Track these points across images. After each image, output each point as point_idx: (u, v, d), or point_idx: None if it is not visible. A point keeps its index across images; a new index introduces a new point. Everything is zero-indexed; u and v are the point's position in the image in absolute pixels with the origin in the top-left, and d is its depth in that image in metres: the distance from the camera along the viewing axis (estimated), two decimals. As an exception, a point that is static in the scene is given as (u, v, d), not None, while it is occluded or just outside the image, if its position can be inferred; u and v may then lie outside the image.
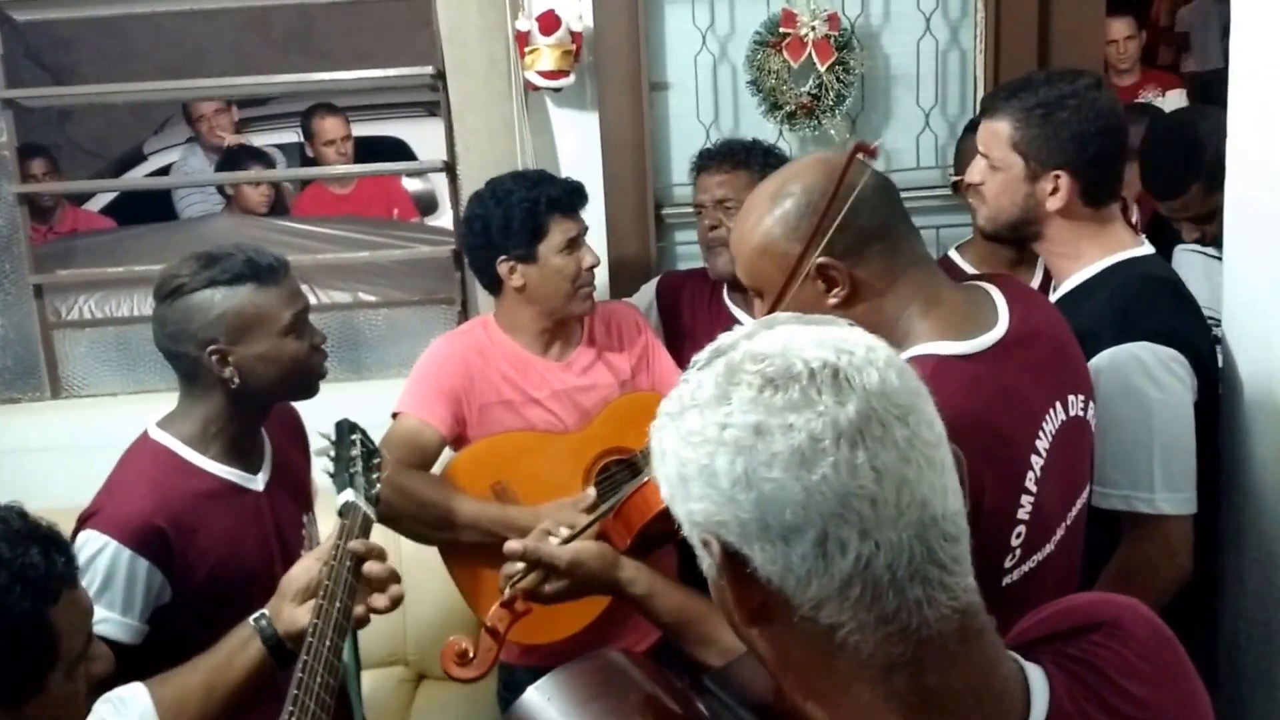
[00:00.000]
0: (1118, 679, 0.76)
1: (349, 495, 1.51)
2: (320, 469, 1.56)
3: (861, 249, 1.25)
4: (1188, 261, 2.36)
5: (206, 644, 1.44)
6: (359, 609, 1.42)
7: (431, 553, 2.06)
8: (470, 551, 2.00)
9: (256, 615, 1.42)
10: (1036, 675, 0.75)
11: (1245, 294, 1.79)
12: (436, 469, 2.08)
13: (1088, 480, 1.41)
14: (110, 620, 1.49)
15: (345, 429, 1.62)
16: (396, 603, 1.46)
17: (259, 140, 4.46)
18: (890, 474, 0.66)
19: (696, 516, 0.71)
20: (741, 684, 0.92)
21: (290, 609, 1.41)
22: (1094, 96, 1.69)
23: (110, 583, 1.50)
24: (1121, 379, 1.60)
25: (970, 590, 0.71)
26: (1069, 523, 1.34)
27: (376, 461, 1.61)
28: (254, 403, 1.66)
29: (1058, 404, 1.31)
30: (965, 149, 2.33)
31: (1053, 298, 1.74)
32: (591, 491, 1.98)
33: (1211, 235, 2.24)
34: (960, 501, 0.71)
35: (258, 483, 1.68)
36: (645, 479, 1.33)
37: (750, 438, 0.67)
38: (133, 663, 1.45)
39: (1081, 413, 1.36)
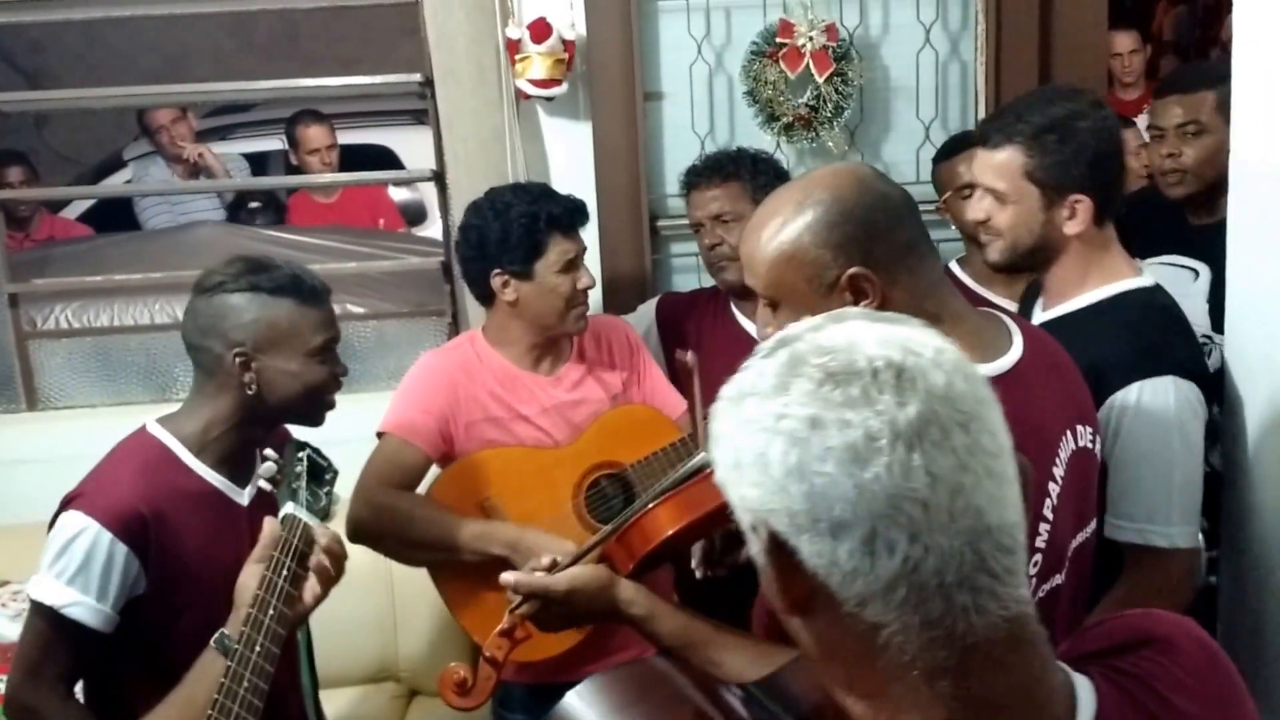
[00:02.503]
0: (1167, 694, 0.75)
1: (289, 508, 1.51)
2: (263, 483, 1.57)
3: (895, 262, 1.22)
4: (1161, 275, 2.35)
5: (170, 645, 1.49)
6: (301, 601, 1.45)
7: (423, 571, 2.01)
8: (459, 568, 1.96)
9: (216, 635, 1.42)
10: (1085, 687, 0.74)
11: (1247, 305, 1.78)
12: (424, 486, 2.03)
13: (1095, 512, 1.39)
14: (84, 604, 1.50)
15: (293, 447, 1.62)
16: (326, 586, 1.48)
17: (242, 147, 4.39)
18: (945, 480, 0.65)
19: (749, 502, 0.71)
20: (788, 693, 0.91)
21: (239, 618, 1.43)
22: (1103, 115, 1.66)
23: (88, 566, 1.50)
24: (1152, 414, 1.59)
25: (1022, 601, 0.70)
26: (1077, 552, 1.33)
27: (329, 477, 1.61)
28: (262, 416, 1.65)
29: (1069, 433, 1.30)
30: (943, 173, 2.31)
31: (1044, 317, 1.72)
32: (570, 546, 1.94)
33: None
34: (1020, 514, 0.70)
35: (243, 497, 1.67)
36: (650, 505, 1.29)
37: (805, 430, 0.67)
38: (100, 653, 1.48)
39: (1090, 444, 1.35)
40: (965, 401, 0.67)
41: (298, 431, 1.71)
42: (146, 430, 1.64)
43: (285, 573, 1.43)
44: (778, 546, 0.69)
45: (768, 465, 0.68)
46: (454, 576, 1.99)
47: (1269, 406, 1.71)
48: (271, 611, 1.39)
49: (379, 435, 2.02)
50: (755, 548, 0.72)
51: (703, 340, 2.27)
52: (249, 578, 1.43)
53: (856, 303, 1.22)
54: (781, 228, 1.23)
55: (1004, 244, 1.69)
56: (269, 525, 1.48)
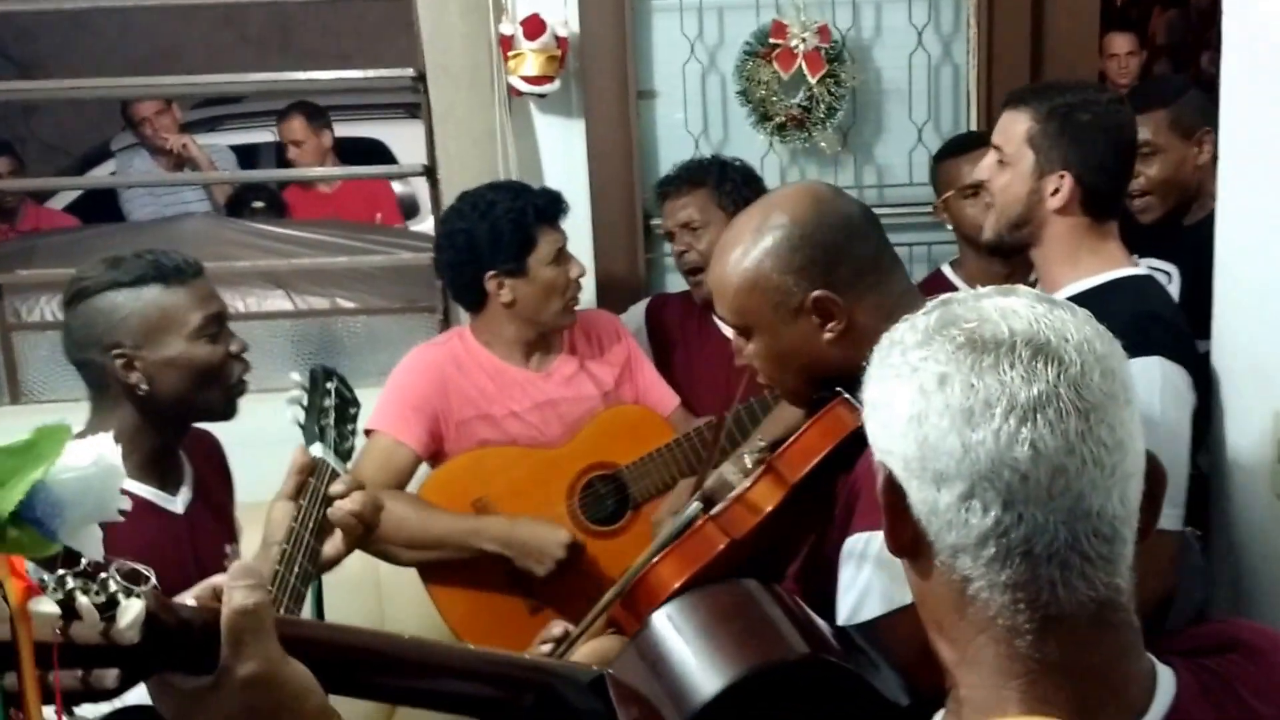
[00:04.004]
0: (1248, 698, 0.76)
1: (317, 450, 1.40)
2: (290, 418, 1.44)
3: (857, 280, 1.22)
4: None
5: None
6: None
7: (412, 572, 2.00)
8: (449, 570, 1.95)
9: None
10: (1167, 675, 0.75)
11: (1235, 305, 1.79)
12: (414, 485, 2.02)
13: None
14: None
15: (320, 374, 1.50)
16: (351, 544, 1.38)
17: (232, 139, 4.36)
18: (1048, 458, 0.68)
19: (876, 440, 0.76)
20: (883, 639, 0.92)
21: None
22: (1115, 110, 1.70)
23: None
24: (1137, 393, 1.58)
25: (1115, 589, 0.72)
26: None
27: (353, 412, 1.51)
28: (166, 414, 1.56)
29: None
30: (944, 172, 2.31)
31: None
32: (565, 532, 1.93)
33: None
34: (1129, 509, 0.72)
35: (176, 504, 1.59)
36: (653, 562, 1.28)
37: (933, 384, 0.71)
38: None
39: None
40: (1093, 393, 0.70)
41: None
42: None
43: (312, 524, 1.33)
44: (891, 487, 0.74)
45: (894, 410, 0.73)
46: (443, 578, 1.99)
47: (1255, 408, 1.71)
48: (296, 569, 1.28)
49: (367, 433, 2.00)
50: (878, 485, 0.76)
51: (688, 345, 2.28)
52: (280, 514, 1.33)
53: (824, 325, 1.22)
54: (743, 256, 1.23)
55: (994, 215, 1.72)
56: (299, 454, 1.37)
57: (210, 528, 1.65)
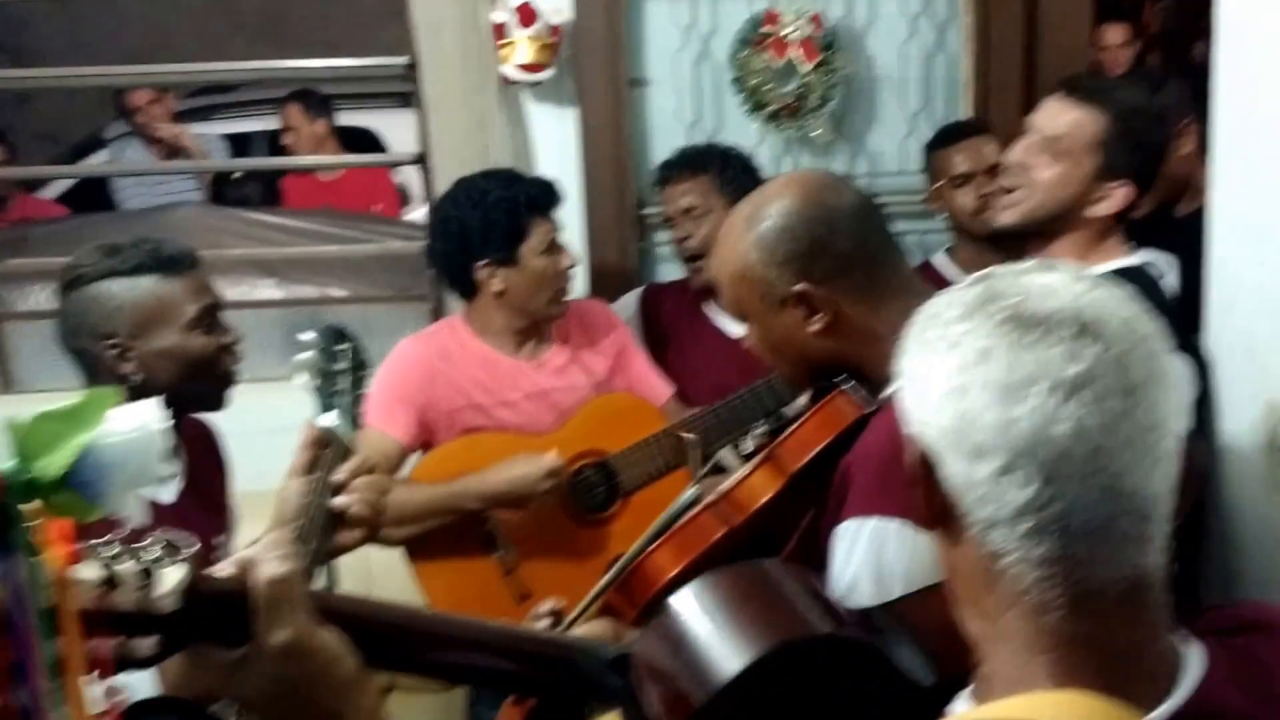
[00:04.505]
0: (1273, 676, 0.77)
1: (332, 420, 1.35)
2: (301, 383, 1.38)
3: (841, 273, 1.21)
4: None
5: None
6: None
7: (402, 566, 2.00)
8: (436, 559, 1.95)
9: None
10: (1196, 653, 0.76)
11: (1228, 295, 1.79)
12: (405, 472, 2.02)
13: None
14: None
15: (333, 335, 1.45)
16: (365, 534, 1.31)
17: (226, 128, 4.34)
18: (1087, 436, 0.69)
19: (910, 412, 0.76)
20: (909, 621, 0.93)
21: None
22: (1167, 121, 1.70)
23: None
24: None
25: (1148, 568, 0.72)
26: None
27: (363, 375, 1.46)
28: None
29: None
30: (937, 161, 2.30)
31: None
32: (553, 454, 1.92)
33: None
34: (1165, 489, 0.73)
35: (165, 494, 1.58)
36: (649, 549, 1.27)
37: (974, 359, 0.71)
38: None
39: None
40: (1136, 373, 0.70)
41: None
42: None
43: (324, 501, 1.28)
44: (924, 459, 0.75)
45: (932, 382, 0.73)
46: (430, 566, 1.98)
47: (1248, 398, 1.71)
48: (312, 545, 1.22)
49: (355, 425, 2.00)
50: (911, 457, 0.76)
51: (681, 335, 2.27)
52: (291, 491, 1.28)
53: (808, 318, 1.21)
54: (734, 248, 1.24)
55: (1027, 205, 1.68)
56: (308, 428, 1.32)
57: (200, 518, 1.63)
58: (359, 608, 0.84)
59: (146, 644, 0.71)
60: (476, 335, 2.08)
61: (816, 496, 1.20)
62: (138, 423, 0.72)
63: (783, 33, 2.48)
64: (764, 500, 1.22)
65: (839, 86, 2.53)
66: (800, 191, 1.24)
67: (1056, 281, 0.74)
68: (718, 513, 1.23)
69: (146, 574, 0.69)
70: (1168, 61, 4.45)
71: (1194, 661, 0.75)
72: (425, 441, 2.03)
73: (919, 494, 0.76)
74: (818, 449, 1.21)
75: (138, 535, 0.72)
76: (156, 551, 0.70)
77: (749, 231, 1.23)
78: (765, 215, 1.22)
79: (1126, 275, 1.67)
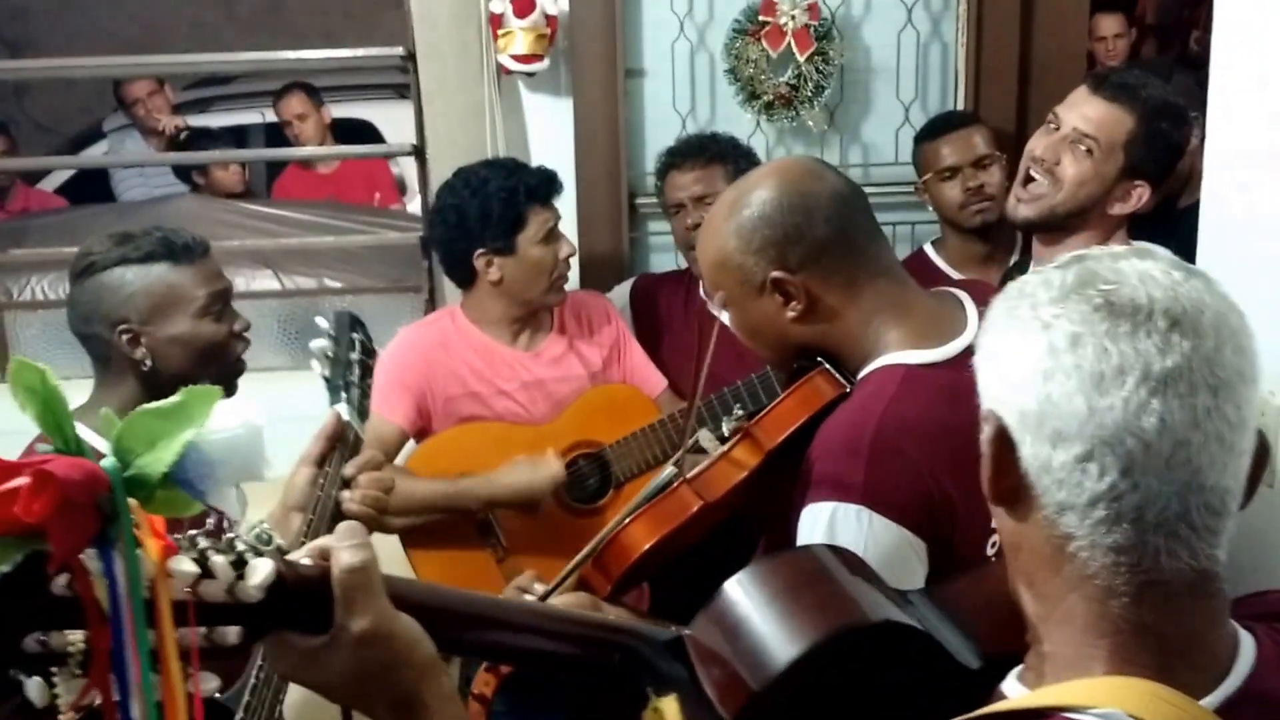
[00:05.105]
0: None
1: (343, 410, 1.35)
2: (316, 370, 1.39)
3: (817, 260, 1.22)
4: None
5: None
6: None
7: (396, 552, 2.01)
8: (431, 553, 1.96)
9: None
10: (1248, 640, 0.77)
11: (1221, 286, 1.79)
12: (400, 460, 2.03)
13: None
14: None
15: (346, 322, 1.46)
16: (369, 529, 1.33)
17: (223, 121, 4.35)
18: (1173, 431, 0.69)
19: (990, 389, 0.76)
20: (954, 605, 0.94)
21: None
22: (1187, 125, 1.69)
23: None
24: None
25: (1214, 559, 0.73)
26: None
27: (372, 364, 1.48)
28: (167, 391, 1.55)
29: None
30: (925, 154, 2.30)
31: None
32: (555, 461, 1.93)
33: None
34: (1238, 484, 0.73)
35: None
36: (625, 522, 1.28)
37: (1065, 344, 0.71)
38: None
39: None
40: (1225, 369, 0.70)
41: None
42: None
43: (335, 492, 1.29)
44: (1001, 437, 0.74)
45: (1018, 363, 0.73)
46: (427, 552, 2.00)
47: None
48: (324, 530, 1.22)
49: (356, 411, 2.02)
50: (985, 433, 0.76)
51: (674, 325, 2.28)
52: (303, 479, 1.30)
53: (785, 305, 1.22)
54: (716, 233, 1.25)
55: (1049, 200, 1.68)
56: (331, 418, 1.33)
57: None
58: (429, 594, 0.86)
59: (232, 632, 0.72)
60: (475, 324, 2.09)
61: (794, 474, 1.22)
62: (242, 419, 0.72)
63: (780, 21, 2.48)
64: (741, 476, 1.23)
65: (833, 76, 2.53)
66: (780, 180, 1.24)
67: (1153, 270, 0.73)
68: (694, 488, 1.24)
69: (238, 564, 0.70)
70: (1163, 52, 4.45)
71: (1246, 649, 0.75)
72: (422, 429, 2.04)
73: (992, 470, 0.76)
74: (795, 426, 1.22)
75: (220, 527, 0.72)
76: (243, 543, 0.71)
77: (729, 219, 1.24)
78: (745, 203, 1.23)
79: None
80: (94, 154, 4.36)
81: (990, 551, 1.24)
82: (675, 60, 2.58)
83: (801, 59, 2.49)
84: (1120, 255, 0.75)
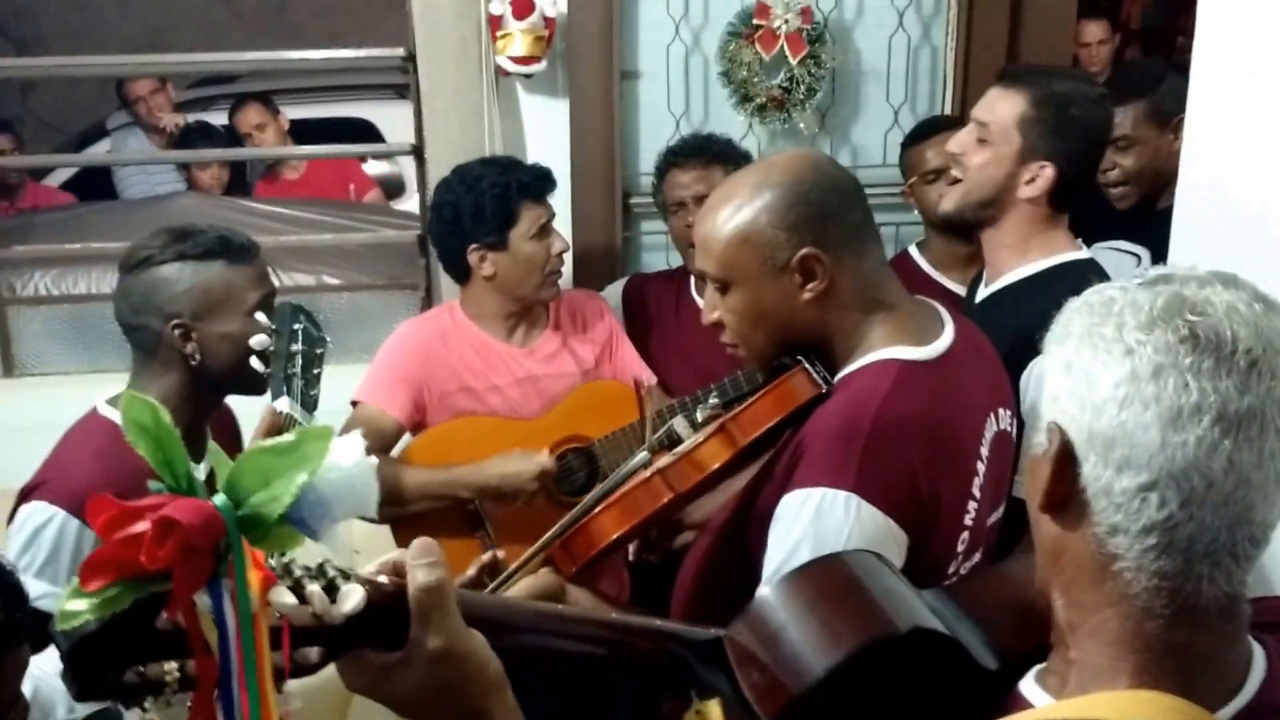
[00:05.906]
0: None
1: (284, 405, 1.37)
2: (254, 362, 1.41)
3: (844, 244, 1.25)
4: (1105, 260, 2.40)
5: None
6: None
7: (386, 541, 2.04)
8: (422, 533, 1.98)
9: None
10: (1259, 652, 0.78)
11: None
12: (395, 453, 2.06)
13: (1006, 494, 1.42)
14: (54, 596, 1.45)
15: (287, 314, 1.48)
16: None
17: (224, 120, 4.38)
18: (1239, 470, 0.70)
19: (1059, 402, 0.75)
20: (969, 607, 0.95)
21: None
22: (1103, 108, 1.73)
23: (56, 555, 1.47)
24: None
25: (1244, 584, 0.75)
26: (990, 530, 1.36)
27: (320, 352, 1.50)
28: (210, 385, 1.61)
29: (992, 416, 1.33)
30: (910, 158, 2.34)
31: (986, 292, 1.77)
32: (547, 458, 1.97)
33: None
34: (1277, 516, 0.74)
35: (199, 473, 1.62)
36: (597, 509, 1.31)
37: (1147, 373, 0.71)
38: None
39: (1009, 427, 1.38)
40: None
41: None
42: (97, 412, 1.60)
43: None
44: (1064, 452, 0.74)
45: (1095, 383, 0.73)
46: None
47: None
48: None
49: (354, 404, 2.05)
50: (1038, 438, 0.76)
51: (666, 325, 2.30)
52: None
53: (805, 284, 1.24)
54: (739, 209, 1.25)
55: (962, 189, 1.73)
56: (268, 414, 1.33)
57: None
58: (494, 607, 0.88)
59: (313, 652, 0.73)
60: (472, 320, 2.12)
61: (762, 465, 1.25)
62: (355, 458, 0.72)
63: (774, 25, 2.51)
64: (713, 469, 1.25)
65: (825, 79, 2.56)
66: (812, 162, 1.28)
67: (1239, 302, 0.73)
68: (666, 478, 1.26)
69: (329, 590, 0.71)
70: (1148, 57, 4.47)
71: (1259, 662, 0.77)
72: (418, 423, 2.07)
73: (1050, 479, 0.76)
74: (771, 424, 1.24)
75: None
76: (332, 569, 0.72)
77: (757, 195, 1.25)
78: (776, 181, 1.25)
79: (1067, 270, 1.70)
80: (97, 151, 4.40)
81: (960, 547, 1.27)
82: (670, 62, 2.61)
83: (794, 62, 2.52)
84: (1207, 282, 0.75)
